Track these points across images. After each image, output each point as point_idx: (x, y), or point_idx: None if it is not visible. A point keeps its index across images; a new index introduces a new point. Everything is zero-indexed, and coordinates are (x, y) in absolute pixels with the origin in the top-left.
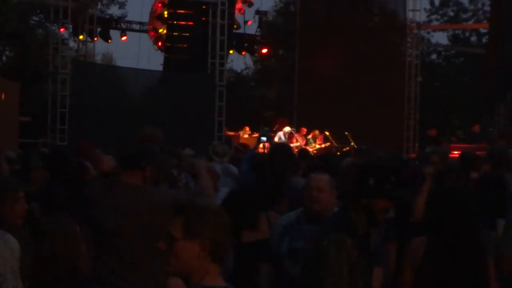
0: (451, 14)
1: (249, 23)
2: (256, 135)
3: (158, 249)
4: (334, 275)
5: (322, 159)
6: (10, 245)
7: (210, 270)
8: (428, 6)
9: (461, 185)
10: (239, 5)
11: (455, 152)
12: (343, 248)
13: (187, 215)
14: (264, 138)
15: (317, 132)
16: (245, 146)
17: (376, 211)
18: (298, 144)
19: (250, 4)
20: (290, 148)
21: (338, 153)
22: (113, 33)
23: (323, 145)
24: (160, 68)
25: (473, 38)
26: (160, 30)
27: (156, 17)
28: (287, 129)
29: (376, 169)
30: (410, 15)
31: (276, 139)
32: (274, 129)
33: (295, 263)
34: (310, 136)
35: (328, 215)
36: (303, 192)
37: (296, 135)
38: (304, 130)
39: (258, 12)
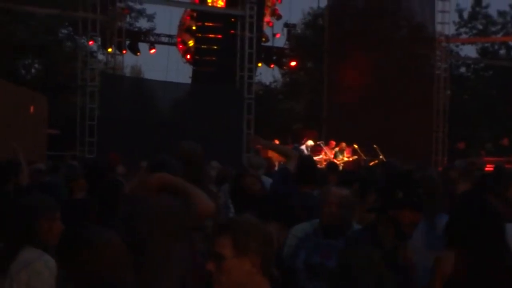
0: (480, 27)
1: (278, 36)
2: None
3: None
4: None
5: (351, 173)
6: (48, 265)
7: (261, 285)
8: (457, 19)
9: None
10: (267, 18)
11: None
12: (370, 262)
13: (235, 233)
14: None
15: (344, 144)
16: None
17: (404, 224)
18: (326, 157)
19: (279, 17)
20: (313, 160)
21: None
22: (142, 46)
23: (350, 158)
24: (189, 81)
25: (502, 51)
26: (189, 43)
27: (184, 30)
28: (310, 142)
29: (404, 181)
30: (439, 27)
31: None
32: (302, 142)
33: (312, 278)
34: (337, 149)
35: (349, 230)
36: (320, 205)
37: (324, 148)
38: (333, 143)
39: (286, 25)
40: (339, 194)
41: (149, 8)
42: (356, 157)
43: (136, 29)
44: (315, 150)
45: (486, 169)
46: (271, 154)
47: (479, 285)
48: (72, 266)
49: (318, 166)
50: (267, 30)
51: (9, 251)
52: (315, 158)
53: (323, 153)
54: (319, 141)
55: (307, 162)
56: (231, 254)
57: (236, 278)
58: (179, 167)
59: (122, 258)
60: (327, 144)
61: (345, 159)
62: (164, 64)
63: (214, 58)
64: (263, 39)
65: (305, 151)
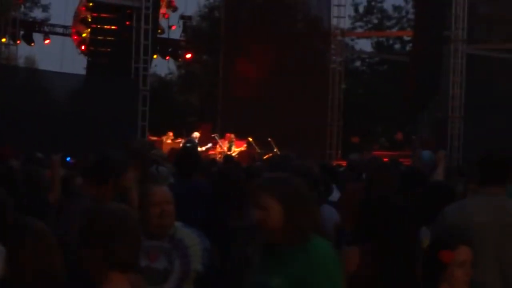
0: (376, 21)
1: (173, 28)
2: (179, 140)
3: None
4: None
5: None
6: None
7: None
8: (352, 13)
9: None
10: (163, 10)
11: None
12: None
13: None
14: (188, 145)
15: (232, 135)
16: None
17: None
18: (221, 149)
19: (175, 9)
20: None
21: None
22: (36, 36)
23: (242, 148)
24: (84, 72)
25: (397, 46)
26: (84, 34)
27: (79, 20)
28: (196, 134)
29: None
30: (334, 21)
31: (188, 144)
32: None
33: None
34: (227, 141)
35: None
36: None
37: (220, 141)
38: (229, 135)
39: (182, 17)
40: (164, 193)
41: None
42: (245, 147)
43: (31, 19)
44: (209, 142)
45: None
46: (165, 145)
47: (385, 278)
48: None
49: (209, 157)
50: (162, 22)
51: None
52: (208, 150)
53: (218, 146)
54: (213, 133)
55: (186, 151)
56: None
57: None
58: (125, 163)
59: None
60: (223, 137)
61: (237, 150)
62: (59, 55)
63: (109, 50)
64: (159, 31)
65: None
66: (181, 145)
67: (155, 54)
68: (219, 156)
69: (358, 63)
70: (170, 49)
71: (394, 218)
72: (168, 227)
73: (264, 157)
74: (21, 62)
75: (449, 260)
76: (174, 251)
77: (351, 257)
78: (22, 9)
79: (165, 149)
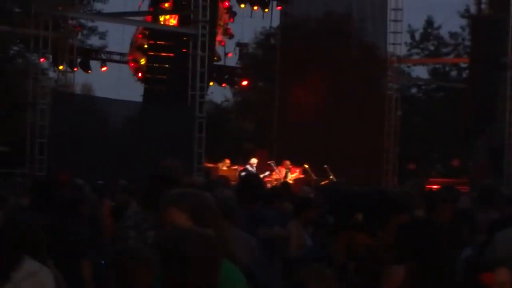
0: (432, 48)
1: (230, 55)
2: (235, 167)
3: None
4: None
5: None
6: (50, 276)
7: None
8: (408, 40)
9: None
10: (219, 37)
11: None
12: (323, 279)
13: None
14: (244, 174)
15: (287, 162)
16: (224, 178)
17: (356, 244)
18: (277, 176)
19: (231, 36)
20: (256, 177)
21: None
22: (93, 63)
23: (297, 175)
24: (140, 99)
25: (453, 73)
26: (140, 61)
27: (136, 48)
28: (253, 160)
29: (364, 203)
30: (390, 48)
31: (243, 173)
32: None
33: None
34: (284, 168)
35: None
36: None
37: (277, 168)
38: (287, 163)
39: (238, 44)
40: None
41: (101, 26)
42: (298, 173)
43: (88, 47)
44: (266, 169)
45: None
46: (222, 172)
47: None
48: None
49: (268, 184)
50: (219, 49)
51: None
52: (265, 177)
53: (274, 173)
54: (269, 160)
55: (249, 179)
56: None
57: None
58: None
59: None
60: (280, 164)
61: (292, 176)
62: (116, 82)
63: (165, 77)
64: (215, 58)
65: (250, 169)
66: (237, 173)
67: (211, 81)
68: (275, 183)
69: (414, 90)
70: (226, 76)
71: (435, 239)
72: None
73: (321, 184)
74: (78, 89)
75: (490, 282)
76: None
77: (395, 275)
78: (80, 36)
79: (227, 174)
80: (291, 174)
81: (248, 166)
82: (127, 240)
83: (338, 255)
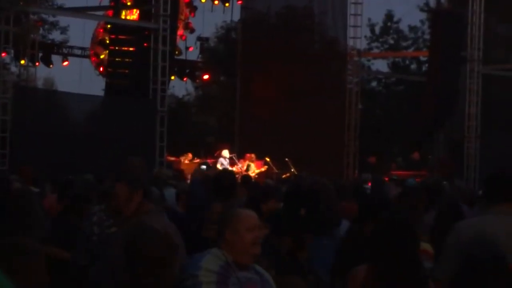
0: (391, 42)
1: (191, 49)
2: (197, 160)
3: None
4: None
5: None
6: None
7: None
8: (368, 34)
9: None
10: (180, 31)
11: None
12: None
13: None
14: (203, 167)
15: (252, 156)
16: (180, 171)
17: (304, 242)
18: (238, 170)
19: (192, 31)
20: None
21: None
22: (55, 58)
23: (262, 169)
24: (102, 93)
25: (413, 66)
26: (102, 56)
27: (97, 42)
28: (226, 153)
29: (306, 197)
30: (350, 42)
31: (218, 165)
32: (216, 154)
33: None
34: (247, 162)
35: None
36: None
37: (239, 161)
38: (249, 156)
39: (199, 38)
40: (256, 218)
41: (63, 21)
42: (266, 167)
43: (49, 41)
44: (230, 162)
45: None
46: (184, 166)
47: None
48: None
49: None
50: (180, 43)
51: None
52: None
53: (236, 166)
54: (231, 154)
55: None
56: None
57: None
58: (88, 186)
59: None
60: (242, 157)
61: (256, 170)
62: (77, 77)
63: (127, 71)
64: (176, 52)
65: (225, 163)
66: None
67: (172, 76)
68: (237, 176)
69: (374, 84)
70: (187, 70)
71: (398, 238)
72: (257, 256)
73: (282, 177)
74: (40, 83)
75: None
76: (265, 284)
77: (357, 276)
78: (41, 31)
79: (184, 169)
80: (256, 168)
81: (221, 159)
82: (91, 236)
83: (282, 245)
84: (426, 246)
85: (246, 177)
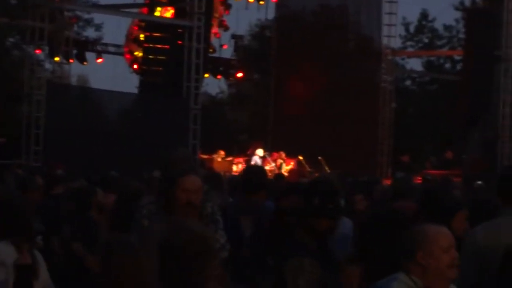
0: (426, 40)
1: (225, 47)
2: (230, 158)
3: None
4: None
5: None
6: None
7: None
8: (403, 33)
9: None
10: (215, 29)
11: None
12: (301, 270)
13: None
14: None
15: (283, 154)
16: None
17: (320, 230)
18: (271, 168)
19: (226, 29)
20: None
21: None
22: (89, 55)
23: (291, 167)
24: (136, 90)
25: (447, 65)
26: (136, 53)
27: (132, 40)
28: (260, 152)
29: (320, 186)
30: (385, 41)
31: (252, 163)
32: (248, 152)
33: None
34: (280, 160)
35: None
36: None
37: (269, 159)
38: (275, 155)
39: (233, 36)
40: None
41: (97, 18)
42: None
43: (84, 39)
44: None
45: None
46: (216, 164)
47: None
48: None
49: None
50: (214, 41)
51: None
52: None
53: (268, 164)
54: (264, 152)
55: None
56: None
57: None
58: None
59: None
60: (270, 156)
61: (286, 167)
62: (111, 74)
63: (161, 69)
64: (210, 50)
65: (258, 162)
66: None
67: (206, 73)
68: (270, 175)
69: (408, 83)
70: (221, 68)
71: (383, 236)
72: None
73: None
74: (73, 80)
75: None
76: None
77: (351, 277)
78: (75, 28)
79: (217, 167)
80: (286, 166)
81: (255, 157)
82: (140, 230)
83: (307, 240)
84: None
85: (279, 176)
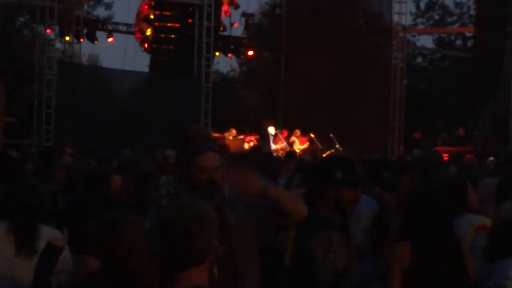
0: (437, 17)
1: (235, 25)
2: (241, 136)
3: None
4: (328, 273)
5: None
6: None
7: None
8: (414, 10)
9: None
10: (225, 7)
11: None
12: (332, 244)
13: None
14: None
15: (298, 132)
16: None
17: (344, 203)
18: (283, 145)
19: (236, 7)
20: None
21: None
22: (99, 34)
23: (305, 146)
24: (146, 69)
25: (459, 42)
26: (147, 32)
27: (142, 18)
28: (272, 130)
29: (340, 161)
30: (396, 18)
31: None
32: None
33: None
34: (293, 137)
35: None
36: None
37: (280, 136)
38: (286, 132)
39: (244, 14)
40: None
41: None
42: (307, 144)
43: (94, 18)
44: (274, 139)
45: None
46: (228, 142)
47: (431, 274)
48: None
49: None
50: (224, 19)
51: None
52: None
53: (279, 142)
54: (275, 130)
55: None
56: None
57: None
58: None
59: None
60: (281, 133)
61: (300, 146)
62: (122, 53)
63: (171, 47)
64: (221, 28)
65: (269, 139)
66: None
67: (217, 52)
68: (281, 152)
69: (419, 59)
70: (232, 47)
71: (434, 213)
72: None
73: (325, 154)
74: (84, 60)
75: None
76: None
77: (403, 252)
78: (86, 7)
79: (228, 145)
80: (300, 144)
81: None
82: (159, 209)
83: (332, 216)
84: (485, 221)
85: (290, 153)
